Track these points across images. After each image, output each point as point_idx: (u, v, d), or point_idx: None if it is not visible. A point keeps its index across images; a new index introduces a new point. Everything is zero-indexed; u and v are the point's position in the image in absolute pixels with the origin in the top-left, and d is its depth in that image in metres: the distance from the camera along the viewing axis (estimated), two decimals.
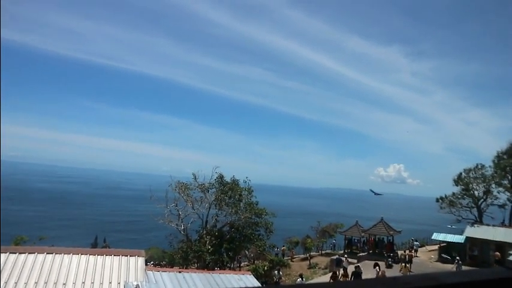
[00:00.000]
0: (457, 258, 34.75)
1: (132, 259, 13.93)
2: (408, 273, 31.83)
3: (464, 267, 36.30)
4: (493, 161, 52.86)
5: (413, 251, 42.80)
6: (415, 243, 47.09)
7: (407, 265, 33.16)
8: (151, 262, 42.80)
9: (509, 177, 50.72)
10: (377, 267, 29.91)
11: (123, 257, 13.93)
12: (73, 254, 13.43)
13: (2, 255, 12.29)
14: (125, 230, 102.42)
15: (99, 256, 13.72)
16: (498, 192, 50.82)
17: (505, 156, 51.77)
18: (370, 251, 41.85)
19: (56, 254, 13.16)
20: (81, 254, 13.54)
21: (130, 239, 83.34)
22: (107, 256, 13.82)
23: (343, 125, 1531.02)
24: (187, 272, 16.81)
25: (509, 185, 50.56)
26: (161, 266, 36.37)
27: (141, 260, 14.05)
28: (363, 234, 43.90)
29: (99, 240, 59.58)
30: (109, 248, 40.66)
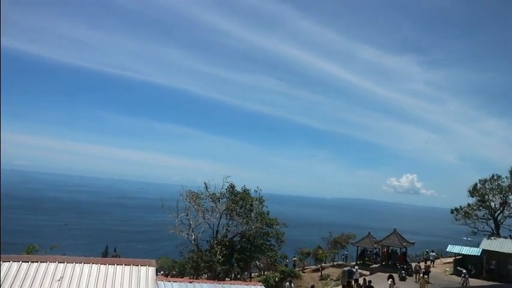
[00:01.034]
0: (464, 271, 33.81)
1: (143, 268, 13.90)
2: (427, 285, 31.43)
3: (479, 281, 35.57)
4: (510, 172, 51.79)
5: (430, 262, 42.16)
6: (431, 253, 46.31)
7: (425, 276, 32.68)
8: (161, 272, 42.82)
9: None
10: (390, 280, 29.42)
11: (134, 266, 13.92)
12: (84, 263, 13.47)
13: (15, 264, 12.42)
14: (136, 239, 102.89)
15: (109, 265, 13.73)
16: None
17: None
18: (383, 263, 41.24)
19: (67, 263, 13.21)
20: (92, 263, 13.56)
21: (141, 248, 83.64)
22: (118, 265, 13.82)
23: (355, 134, 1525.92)
24: (198, 282, 16.73)
25: None
26: (171, 276, 36.35)
27: (151, 270, 14.02)
28: (375, 245, 43.33)
29: (109, 249, 59.94)
30: (119, 257, 40.80)
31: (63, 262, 13.16)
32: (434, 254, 46.88)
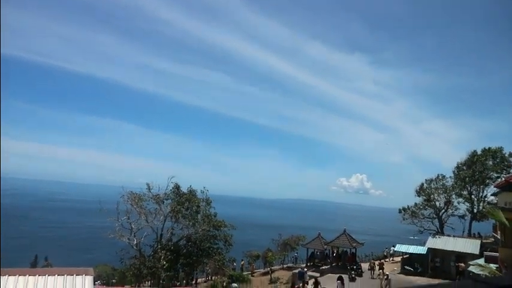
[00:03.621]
0: (388, 274, 34.09)
1: (79, 278, 13.28)
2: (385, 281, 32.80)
3: (424, 279, 37.81)
4: (453, 172, 55.83)
5: (389, 258, 46.49)
6: (392, 248, 49.56)
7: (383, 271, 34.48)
8: (99, 281, 41.19)
9: (469, 188, 53.67)
10: (338, 282, 30.29)
11: (69, 276, 13.26)
12: (9, 275, 12.61)
13: None
14: (70, 246, 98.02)
15: (40, 276, 12.97)
16: (458, 203, 53.81)
17: (464, 167, 54.78)
18: (333, 264, 42.56)
19: None
20: (19, 275, 12.74)
21: (76, 256, 79.81)
22: (50, 276, 13.09)
23: (304, 133, 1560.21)
24: None
25: (468, 196, 53.49)
26: (111, 285, 35.09)
27: (88, 279, 13.43)
28: (325, 246, 44.59)
29: (39, 258, 56.63)
30: (51, 267, 38.68)
31: None
32: (394, 248, 49.84)
